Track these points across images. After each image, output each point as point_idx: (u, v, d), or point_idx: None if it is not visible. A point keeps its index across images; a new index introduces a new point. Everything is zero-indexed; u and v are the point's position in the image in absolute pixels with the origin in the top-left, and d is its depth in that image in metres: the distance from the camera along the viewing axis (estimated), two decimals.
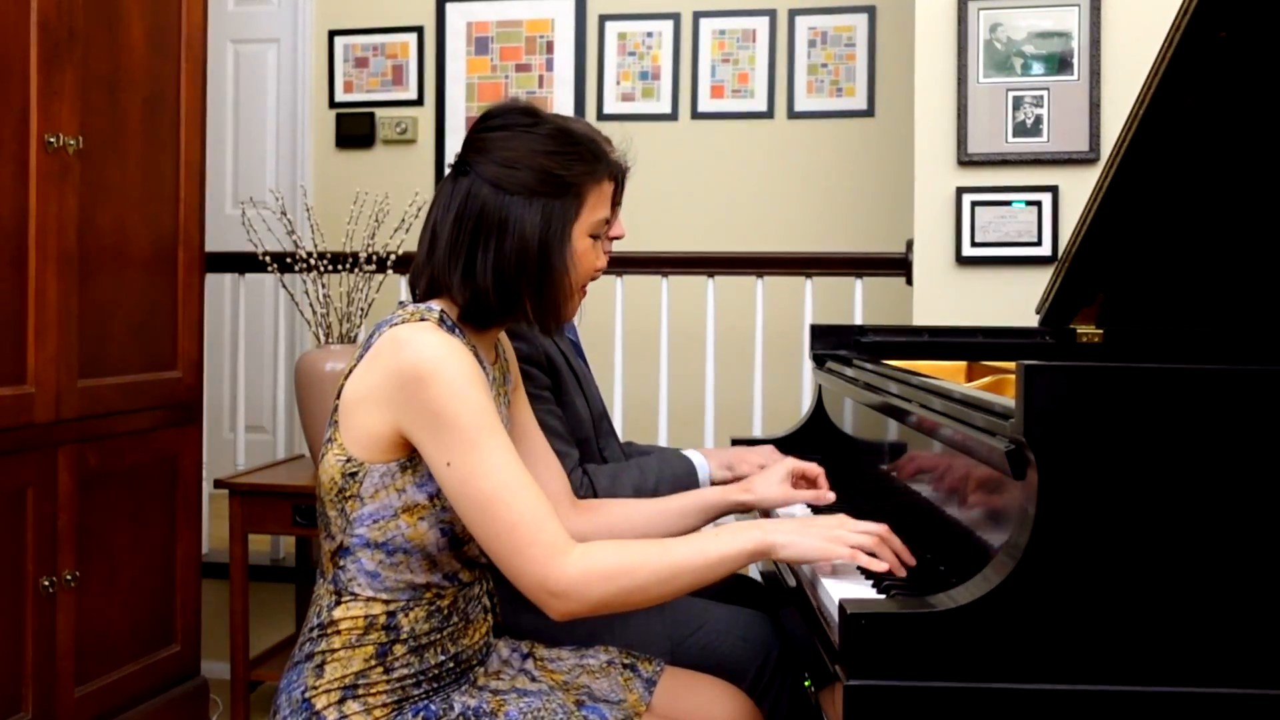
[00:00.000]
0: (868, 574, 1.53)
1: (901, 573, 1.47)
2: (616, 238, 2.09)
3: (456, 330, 1.55)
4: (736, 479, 1.99)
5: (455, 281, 1.55)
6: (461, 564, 1.57)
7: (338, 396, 1.54)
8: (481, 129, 1.59)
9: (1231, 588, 1.21)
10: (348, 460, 1.51)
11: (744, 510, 1.85)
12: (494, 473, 1.43)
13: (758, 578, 2.85)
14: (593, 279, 2.10)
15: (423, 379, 1.45)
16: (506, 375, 1.71)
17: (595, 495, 1.94)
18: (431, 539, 1.52)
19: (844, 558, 1.46)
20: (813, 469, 1.85)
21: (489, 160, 1.55)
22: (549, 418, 1.93)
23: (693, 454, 2.08)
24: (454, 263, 1.55)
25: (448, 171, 1.61)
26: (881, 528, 1.50)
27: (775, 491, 1.81)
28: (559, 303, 1.58)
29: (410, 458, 1.50)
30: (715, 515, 1.82)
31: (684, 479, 2.02)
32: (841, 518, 1.53)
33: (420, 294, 1.61)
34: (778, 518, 1.69)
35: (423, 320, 1.51)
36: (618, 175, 1.63)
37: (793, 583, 1.68)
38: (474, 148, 1.58)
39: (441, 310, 1.55)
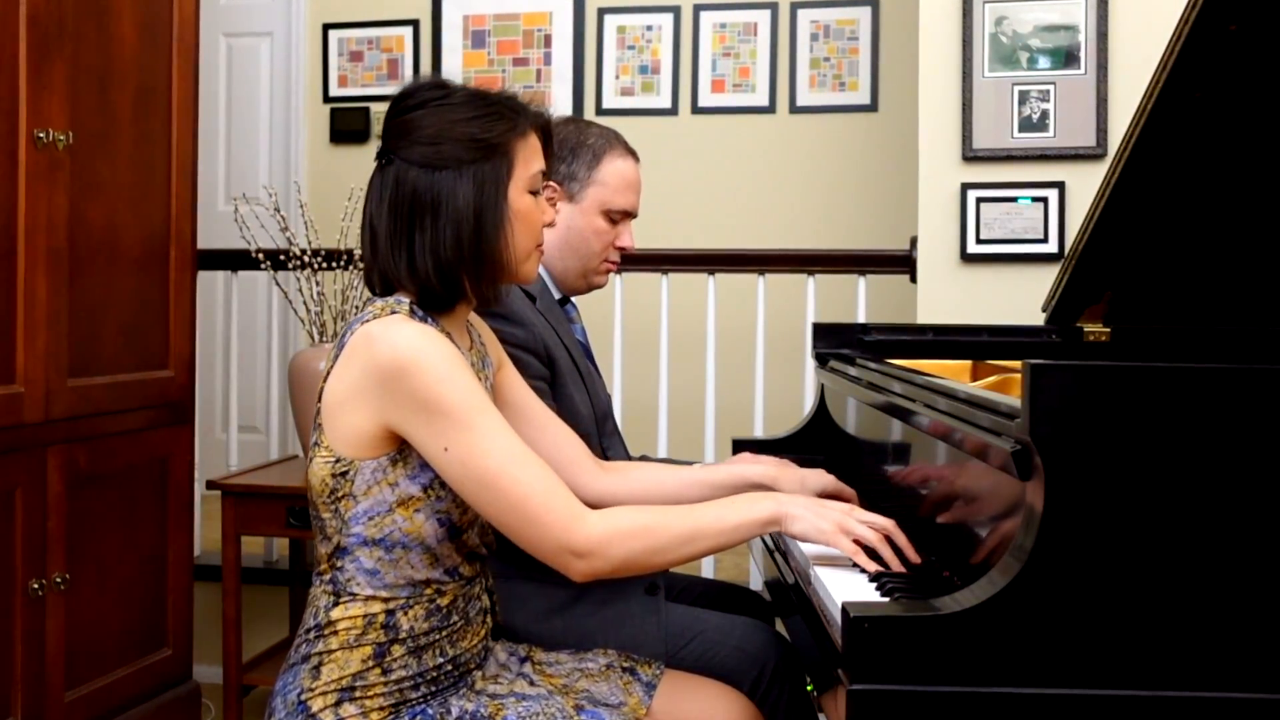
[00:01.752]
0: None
1: (898, 567, 1.50)
2: (623, 249, 2.11)
3: (429, 319, 1.56)
4: None
5: (403, 273, 1.56)
6: (462, 557, 1.58)
7: (319, 399, 1.55)
8: (397, 112, 1.59)
9: (1243, 590, 1.21)
10: (336, 460, 1.52)
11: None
12: (494, 450, 1.45)
13: (758, 588, 2.85)
14: (609, 270, 2.12)
15: (404, 370, 1.46)
16: (485, 359, 1.71)
17: None
18: (430, 530, 1.52)
19: (846, 551, 1.50)
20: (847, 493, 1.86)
21: (412, 142, 1.56)
22: None
23: None
24: (397, 254, 1.56)
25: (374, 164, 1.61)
26: (889, 523, 1.54)
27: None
28: (504, 268, 1.58)
29: (400, 451, 1.51)
30: (744, 491, 1.83)
31: None
32: (852, 506, 1.58)
33: (379, 290, 1.61)
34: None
35: (393, 313, 1.52)
36: (541, 126, 1.64)
37: (790, 578, 1.68)
38: (394, 133, 1.58)
39: (410, 302, 1.56)
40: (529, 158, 1.60)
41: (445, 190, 1.54)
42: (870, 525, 1.52)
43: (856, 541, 1.51)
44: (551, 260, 2.07)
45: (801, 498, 1.59)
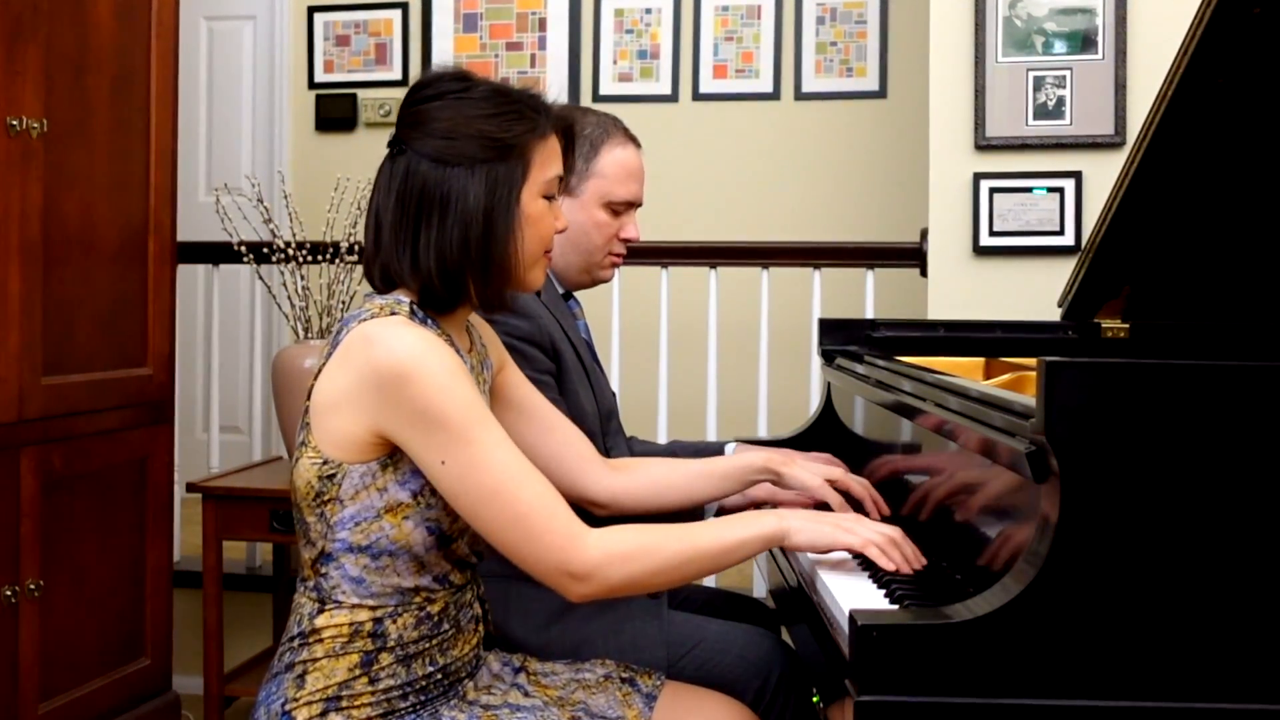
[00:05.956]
0: (873, 575, 1.54)
1: (912, 569, 1.51)
2: (629, 240, 2.12)
3: (429, 321, 1.55)
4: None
5: (405, 269, 1.56)
6: (452, 565, 1.58)
7: (308, 397, 1.55)
8: (413, 102, 1.59)
9: (1269, 597, 1.21)
10: (324, 463, 1.51)
11: (777, 481, 1.85)
12: (494, 465, 1.45)
13: (763, 596, 2.85)
14: (614, 263, 2.12)
15: (403, 378, 1.45)
16: (485, 362, 1.71)
17: None
18: (418, 539, 1.52)
19: (855, 546, 1.52)
20: (858, 490, 1.85)
21: (426, 134, 1.55)
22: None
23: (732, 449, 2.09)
24: (401, 249, 1.55)
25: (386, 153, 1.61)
26: (895, 531, 1.55)
27: (809, 480, 1.81)
28: (511, 273, 1.58)
29: (391, 455, 1.51)
30: (754, 479, 1.85)
31: None
32: (858, 515, 1.61)
33: (378, 286, 1.61)
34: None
35: (393, 314, 1.52)
36: (562, 130, 1.64)
37: (794, 582, 1.69)
38: (408, 123, 1.58)
39: (411, 302, 1.56)
40: (546, 161, 1.60)
41: (456, 188, 1.53)
42: (877, 531, 1.55)
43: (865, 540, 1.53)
44: (553, 255, 2.08)
45: (803, 510, 1.61)
